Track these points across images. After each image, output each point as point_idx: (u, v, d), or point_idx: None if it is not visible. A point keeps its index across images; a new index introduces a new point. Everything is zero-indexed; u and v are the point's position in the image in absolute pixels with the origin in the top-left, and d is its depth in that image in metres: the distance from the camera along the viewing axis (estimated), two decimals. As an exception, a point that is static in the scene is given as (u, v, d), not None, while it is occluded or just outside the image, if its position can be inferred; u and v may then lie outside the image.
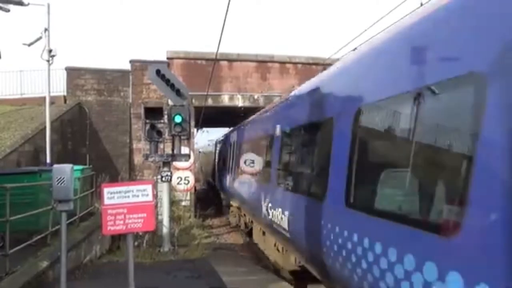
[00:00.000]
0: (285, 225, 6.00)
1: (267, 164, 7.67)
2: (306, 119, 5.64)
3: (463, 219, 2.35)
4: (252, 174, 9.18)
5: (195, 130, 21.54)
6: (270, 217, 6.98)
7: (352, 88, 4.20)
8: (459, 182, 2.46)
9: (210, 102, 16.56)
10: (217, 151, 18.98)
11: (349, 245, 3.72)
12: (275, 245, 7.69)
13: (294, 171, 6.17)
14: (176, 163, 12.80)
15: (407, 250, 2.83)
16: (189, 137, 10.70)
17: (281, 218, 6.22)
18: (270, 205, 7.04)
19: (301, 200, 5.37)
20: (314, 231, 4.68)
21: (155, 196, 9.74)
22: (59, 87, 16.34)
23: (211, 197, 22.72)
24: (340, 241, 3.92)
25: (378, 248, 3.20)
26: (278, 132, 6.98)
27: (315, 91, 5.52)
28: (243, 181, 10.28)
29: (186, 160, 10.53)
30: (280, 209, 6.33)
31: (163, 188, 9.93)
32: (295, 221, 5.61)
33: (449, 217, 2.55)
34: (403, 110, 3.19)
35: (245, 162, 10.11)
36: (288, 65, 17.58)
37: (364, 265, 3.40)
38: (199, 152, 29.98)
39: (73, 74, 16.36)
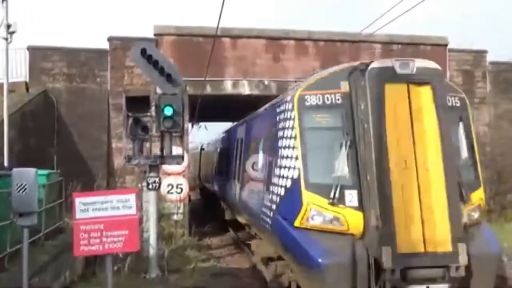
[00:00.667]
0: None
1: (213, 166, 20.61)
2: (221, 146, 18.72)
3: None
4: (213, 172, 20.88)
5: (189, 125, 21.55)
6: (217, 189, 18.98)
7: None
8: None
9: (208, 90, 16.49)
10: (202, 156, 27.78)
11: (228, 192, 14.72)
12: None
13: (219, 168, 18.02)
14: (166, 167, 12.80)
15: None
16: (182, 134, 10.69)
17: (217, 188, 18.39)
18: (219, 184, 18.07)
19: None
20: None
21: (140, 208, 9.73)
22: (20, 72, 16.43)
23: (209, 208, 22.79)
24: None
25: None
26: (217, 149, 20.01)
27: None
28: (210, 176, 22.14)
29: (179, 163, 10.53)
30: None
31: (150, 198, 9.93)
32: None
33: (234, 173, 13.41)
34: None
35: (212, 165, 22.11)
36: (307, 43, 17.49)
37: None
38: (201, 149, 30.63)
39: (38, 55, 16.43)
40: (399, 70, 6.96)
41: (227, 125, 22.73)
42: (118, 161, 15.96)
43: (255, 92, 16.99)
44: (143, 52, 9.44)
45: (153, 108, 9.81)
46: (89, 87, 16.61)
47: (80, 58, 16.64)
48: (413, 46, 18.23)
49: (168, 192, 13.48)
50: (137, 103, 9.81)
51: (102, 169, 16.03)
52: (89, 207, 6.06)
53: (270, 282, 9.01)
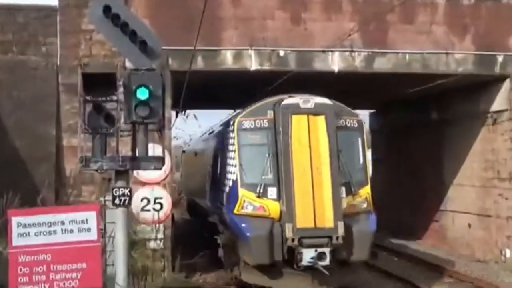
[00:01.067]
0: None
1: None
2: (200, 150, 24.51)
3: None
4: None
5: (173, 114, 21.56)
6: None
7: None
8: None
9: (200, 63, 16.50)
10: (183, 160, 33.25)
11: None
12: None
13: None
14: (140, 174, 12.77)
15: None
16: (162, 126, 10.66)
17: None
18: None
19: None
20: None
21: (102, 232, 9.75)
22: None
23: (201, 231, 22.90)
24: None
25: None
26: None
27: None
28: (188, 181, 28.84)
29: (158, 168, 10.50)
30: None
31: (117, 217, 9.95)
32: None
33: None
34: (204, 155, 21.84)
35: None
36: (340, -4, 17.53)
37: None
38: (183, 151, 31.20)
39: (-43, 14, 16.54)
40: (302, 105, 13.64)
41: (226, 114, 22.74)
42: (71, 165, 15.95)
43: (266, 67, 17.05)
44: (107, 10, 9.43)
45: (121, 90, 9.79)
46: (31, 60, 16.67)
47: (18, 18, 16.70)
48: (491, 1, 18.14)
49: (143, 209, 13.47)
50: (99, 83, 9.78)
51: (49, 176, 16.07)
52: (30, 230, 6.08)
53: (224, 259, 16.47)
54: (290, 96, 14.13)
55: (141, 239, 14.27)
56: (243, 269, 14.45)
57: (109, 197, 9.96)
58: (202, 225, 23.21)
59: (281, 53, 17.05)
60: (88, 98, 9.74)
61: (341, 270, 13.41)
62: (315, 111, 13.69)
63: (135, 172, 11.46)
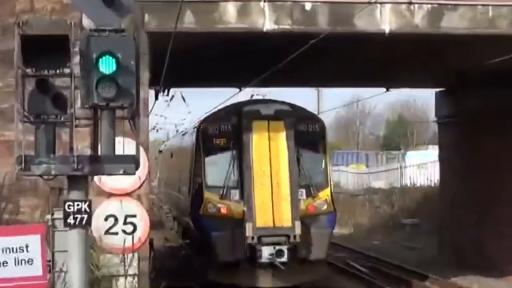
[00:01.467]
0: None
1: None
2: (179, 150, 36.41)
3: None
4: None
5: (152, 94, 21.66)
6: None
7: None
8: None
9: (190, 21, 16.61)
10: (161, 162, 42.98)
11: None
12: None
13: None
14: (105, 180, 12.83)
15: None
16: (136, 112, 10.68)
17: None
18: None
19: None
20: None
21: (50, 265, 9.78)
22: None
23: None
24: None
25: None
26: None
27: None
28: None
29: (130, 172, 10.51)
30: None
31: (71, 244, 9.98)
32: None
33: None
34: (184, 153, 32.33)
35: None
36: None
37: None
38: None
39: None
40: (263, 111, 21.46)
41: (226, 94, 23.15)
42: (4, 169, 16.02)
43: (286, 25, 17.21)
44: None
45: (76, 60, 9.83)
46: None
47: None
48: None
49: (108, 231, 13.50)
50: (44, 50, 9.81)
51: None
52: None
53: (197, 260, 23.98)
54: (253, 102, 21.93)
55: (106, 275, 14.32)
56: (210, 267, 20.97)
57: (59, 215, 9.96)
58: (189, 247, 29.06)
59: (307, 5, 17.07)
60: (28, 71, 9.76)
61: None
62: (275, 117, 20.80)
63: (96, 178, 11.50)
